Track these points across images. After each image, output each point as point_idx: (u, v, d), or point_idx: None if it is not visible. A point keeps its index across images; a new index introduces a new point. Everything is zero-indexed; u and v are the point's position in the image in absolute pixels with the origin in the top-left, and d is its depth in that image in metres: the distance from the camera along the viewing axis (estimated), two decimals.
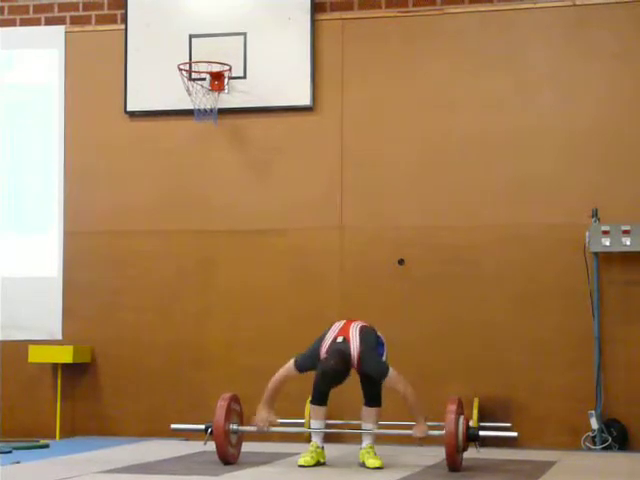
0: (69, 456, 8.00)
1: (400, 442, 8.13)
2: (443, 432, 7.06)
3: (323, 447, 7.48)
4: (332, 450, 7.82)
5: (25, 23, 10.19)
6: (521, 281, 9.09)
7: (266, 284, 9.55)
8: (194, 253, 9.72)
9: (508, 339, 9.05)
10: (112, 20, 10.03)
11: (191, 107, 9.45)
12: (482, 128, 9.28)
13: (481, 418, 8.75)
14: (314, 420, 7.50)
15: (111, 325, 9.79)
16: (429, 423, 7.34)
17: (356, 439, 8.04)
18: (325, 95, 9.56)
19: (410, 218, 9.36)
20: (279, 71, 9.55)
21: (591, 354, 8.84)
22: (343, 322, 7.47)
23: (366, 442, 7.42)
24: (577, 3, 9.16)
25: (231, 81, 9.55)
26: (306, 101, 9.54)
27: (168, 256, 9.76)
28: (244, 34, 9.58)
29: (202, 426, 7.43)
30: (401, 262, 9.32)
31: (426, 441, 7.42)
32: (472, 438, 7.17)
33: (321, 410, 7.47)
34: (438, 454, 7.55)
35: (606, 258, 8.93)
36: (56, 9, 10.13)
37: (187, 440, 8.89)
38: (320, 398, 7.45)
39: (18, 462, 7.52)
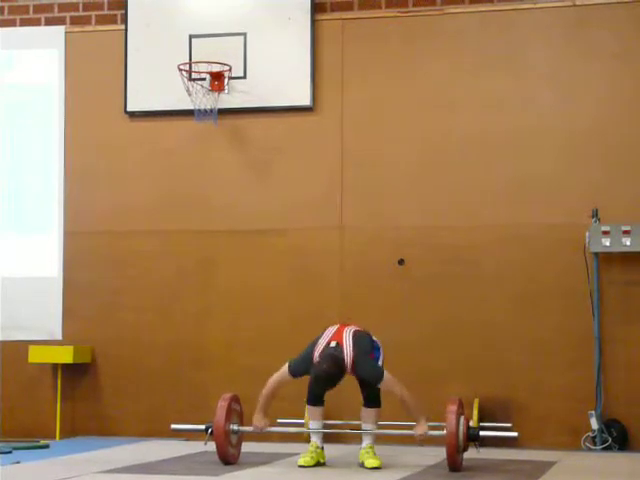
0: (69, 456, 8.00)
1: (400, 442, 8.13)
2: (444, 432, 7.07)
3: (323, 447, 7.48)
4: (332, 450, 7.82)
5: (25, 23, 10.19)
6: (521, 281, 9.09)
7: (266, 284, 9.55)
8: (194, 253, 9.72)
9: (508, 339, 9.05)
10: (112, 20, 10.03)
11: (191, 107, 9.45)
12: (482, 128, 9.28)
13: (481, 418, 8.75)
14: (312, 421, 7.50)
15: (111, 325, 9.79)
16: (429, 423, 7.34)
17: (356, 439, 8.05)
18: (325, 95, 9.56)
19: (410, 218, 9.36)
20: (279, 71, 9.55)
21: (591, 354, 8.84)
22: (336, 327, 7.45)
23: (366, 442, 7.42)
24: (577, 3, 9.16)
25: (231, 81, 9.55)
26: (306, 101, 9.54)
27: (168, 256, 9.76)
28: (244, 34, 9.58)
29: (202, 426, 7.44)
30: (401, 262, 9.32)
31: (426, 441, 7.42)
32: (472, 438, 7.17)
33: (318, 410, 7.47)
34: (438, 454, 7.56)
35: (606, 258, 8.93)
36: (56, 9, 10.13)
37: (187, 440, 8.89)
38: (315, 399, 7.45)
39: (18, 462, 7.52)
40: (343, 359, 7.14)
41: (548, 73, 9.21)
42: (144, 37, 9.81)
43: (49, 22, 10.13)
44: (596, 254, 8.87)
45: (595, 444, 8.70)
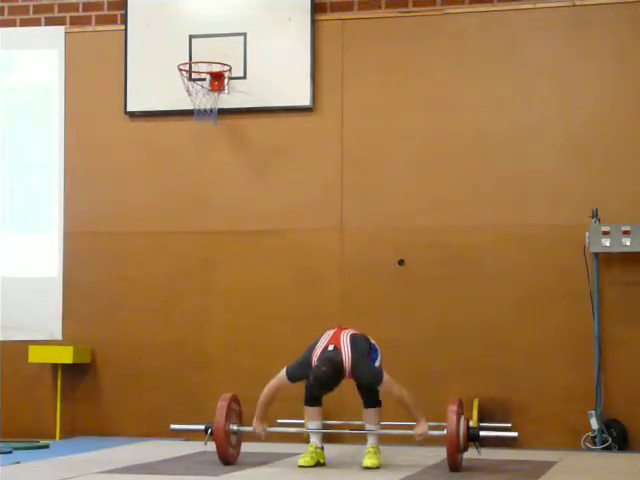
0: (69, 456, 8.00)
1: (401, 442, 8.13)
2: (444, 432, 7.07)
3: (323, 447, 7.48)
4: (332, 450, 7.82)
5: (25, 23, 10.19)
6: (521, 282, 9.09)
7: (266, 284, 9.54)
8: (194, 253, 9.72)
9: (508, 339, 9.05)
10: (112, 20, 10.03)
11: (191, 107, 9.45)
12: (482, 128, 9.28)
13: (481, 419, 8.75)
14: (310, 421, 7.49)
15: (111, 325, 9.79)
16: (429, 423, 7.34)
17: (356, 439, 8.05)
18: (325, 95, 9.56)
19: (410, 218, 9.36)
20: (279, 71, 9.55)
21: (591, 354, 8.84)
22: (334, 330, 7.43)
23: (369, 442, 7.42)
24: (577, 3, 9.16)
25: (231, 81, 9.55)
26: (306, 101, 9.54)
27: (168, 256, 9.76)
28: (244, 34, 9.58)
29: (202, 426, 7.43)
30: (401, 262, 9.32)
31: (426, 441, 7.42)
32: (473, 438, 7.17)
33: (316, 410, 7.46)
34: (438, 454, 7.56)
35: (606, 259, 8.93)
36: (56, 9, 10.13)
37: (187, 440, 8.89)
38: (312, 400, 7.44)
39: (18, 462, 7.51)
40: (342, 362, 7.12)
41: (548, 73, 9.21)
42: (144, 37, 9.82)
43: (49, 22, 10.13)
44: (596, 254, 8.87)
45: (595, 444, 8.70)
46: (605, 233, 8.76)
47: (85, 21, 10.10)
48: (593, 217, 8.85)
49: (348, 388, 7.44)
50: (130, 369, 9.72)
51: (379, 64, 9.51)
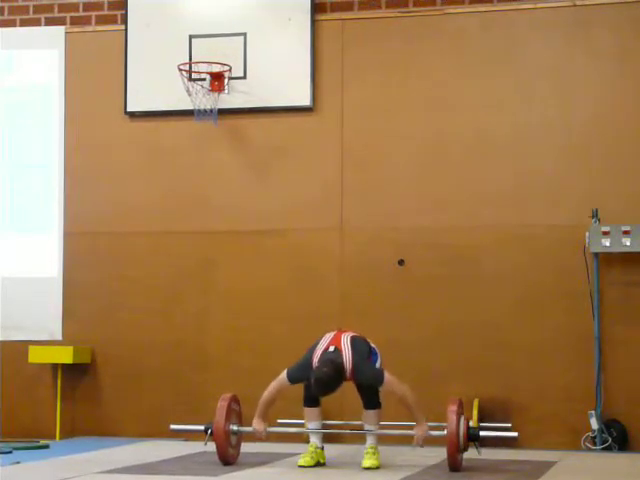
0: (69, 456, 8.00)
1: (401, 442, 8.12)
2: (444, 432, 7.07)
3: (323, 447, 7.48)
4: (332, 450, 7.82)
5: (25, 23, 10.19)
6: (521, 282, 9.09)
7: (266, 284, 9.54)
8: (194, 253, 9.72)
9: (508, 339, 9.05)
10: (112, 20, 10.03)
11: (191, 107, 9.45)
12: (482, 128, 9.28)
13: (481, 419, 8.75)
14: (310, 422, 7.49)
15: (111, 325, 9.79)
16: (430, 423, 7.34)
17: (356, 439, 8.04)
18: (325, 95, 9.56)
19: (410, 218, 9.36)
20: (279, 71, 9.55)
21: (591, 354, 8.84)
22: (334, 333, 7.42)
23: (368, 443, 7.41)
24: (577, 3, 9.16)
25: (231, 81, 9.55)
26: (306, 101, 9.54)
27: (168, 256, 9.76)
28: (244, 34, 9.58)
29: (201, 426, 7.43)
30: (401, 262, 9.31)
31: (427, 441, 7.41)
32: (473, 438, 7.17)
33: (315, 411, 7.46)
34: (438, 454, 7.56)
35: (606, 259, 8.93)
36: (56, 9, 10.13)
37: (187, 441, 8.89)
38: (311, 400, 7.43)
39: (18, 462, 7.52)
40: (342, 363, 7.12)
41: (548, 73, 9.20)
42: (144, 37, 9.82)
43: (49, 22, 10.13)
44: (596, 254, 8.87)
45: (595, 444, 8.70)
46: (605, 233, 8.76)
47: (85, 21, 10.10)
48: (593, 217, 8.85)
49: (348, 388, 7.43)
50: (130, 369, 9.72)
51: (379, 64, 9.51)
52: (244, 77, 9.56)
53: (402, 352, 8.94)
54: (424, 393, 8.14)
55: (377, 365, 7.38)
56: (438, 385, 8.95)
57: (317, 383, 7.03)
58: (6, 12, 10.21)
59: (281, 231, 9.58)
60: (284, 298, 9.50)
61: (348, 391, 7.54)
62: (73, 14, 10.11)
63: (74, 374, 9.77)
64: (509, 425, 8.42)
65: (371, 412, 7.38)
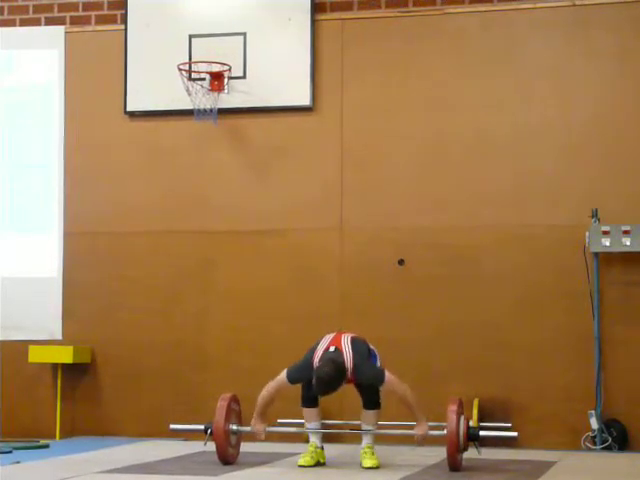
0: (69, 456, 8.00)
1: (401, 442, 8.13)
2: (444, 432, 7.07)
3: (322, 447, 7.48)
4: (332, 450, 7.82)
5: (25, 23, 10.19)
6: (521, 281, 9.09)
7: (266, 284, 9.54)
8: (194, 253, 9.72)
9: (508, 339, 9.05)
10: (112, 20, 10.03)
11: (191, 107, 9.45)
12: (482, 128, 9.28)
13: (481, 418, 8.75)
14: (309, 422, 7.49)
15: (111, 325, 9.79)
16: (430, 423, 7.34)
17: (356, 439, 8.04)
18: (325, 95, 9.56)
19: (410, 218, 9.36)
20: (279, 71, 9.55)
21: (591, 354, 8.84)
22: (333, 334, 7.44)
23: (365, 442, 7.42)
24: (577, 3, 9.16)
25: (231, 81, 9.55)
26: (306, 101, 9.54)
27: (168, 256, 9.76)
28: (244, 34, 9.58)
29: (201, 426, 7.44)
30: (401, 262, 9.31)
31: (427, 441, 7.41)
32: (473, 438, 7.17)
33: (314, 411, 7.46)
34: (438, 454, 7.56)
35: (606, 258, 8.93)
36: (56, 9, 10.13)
37: (186, 440, 8.89)
38: (309, 401, 7.43)
39: (18, 462, 7.52)
40: (344, 363, 7.13)
41: (548, 73, 9.20)
42: (144, 37, 9.82)
43: (49, 22, 10.13)
44: (596, 254, 8.87)
45: (595, 444, 8.70)
46: (605, 233, 8.76)
47: (85, 21, 10.10)
48: (593, 217, 8.85)
49: (348, 388, 7.43)
50: (130, 369, 9.72)
51: (379, 64, 9.51)
52: (244, 77, 9.56)
53: (402, 352, 8.94)
54: (424, 393, 8.14)
55: (377, 364, 7.38)
56: (438, 385, 8.95)
57: (318, 382, 7.04)
58: (6, 12, 10.21)
59: (281, 231, 9.58)
60: (284, 298, 9.50)
61: (348, 391, 7.55)
62: (73, 14, 10.11)
63: (74, 374, 9.77)
64: (509, 425, 8.41)
65: (370, 412, 7.38)
